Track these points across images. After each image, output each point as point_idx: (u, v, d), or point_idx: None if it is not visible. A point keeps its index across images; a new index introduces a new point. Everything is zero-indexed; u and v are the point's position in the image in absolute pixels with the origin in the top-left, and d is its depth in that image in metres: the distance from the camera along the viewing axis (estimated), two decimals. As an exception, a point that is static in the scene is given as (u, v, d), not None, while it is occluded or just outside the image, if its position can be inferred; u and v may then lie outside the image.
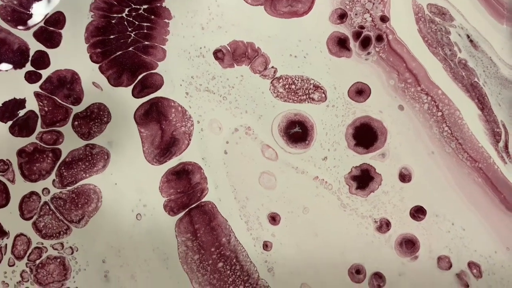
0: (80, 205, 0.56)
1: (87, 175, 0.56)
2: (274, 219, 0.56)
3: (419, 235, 0.56)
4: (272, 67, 0.59)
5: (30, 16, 0.58)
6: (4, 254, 0.55)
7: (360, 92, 0.58)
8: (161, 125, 0.57)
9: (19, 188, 0.56)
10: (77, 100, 0.57)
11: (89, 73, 0.58)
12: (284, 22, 0.59)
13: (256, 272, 0.55)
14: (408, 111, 0.58)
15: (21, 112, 0.57)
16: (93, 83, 0.58)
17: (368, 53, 0.59)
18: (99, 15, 0.59)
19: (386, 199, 0.56)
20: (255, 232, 0.56)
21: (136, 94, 0.58)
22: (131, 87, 0.58)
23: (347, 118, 0.58)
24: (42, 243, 0.55)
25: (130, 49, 0.58)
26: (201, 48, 0.59)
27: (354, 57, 0.59)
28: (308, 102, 0.58)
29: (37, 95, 0.57)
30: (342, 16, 0.59)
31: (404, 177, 0.57)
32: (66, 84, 0.58)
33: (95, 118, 0.57)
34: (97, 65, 0.58)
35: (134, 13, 0.59)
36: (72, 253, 0.55)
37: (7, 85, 0.57)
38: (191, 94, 0.58)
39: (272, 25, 0.59)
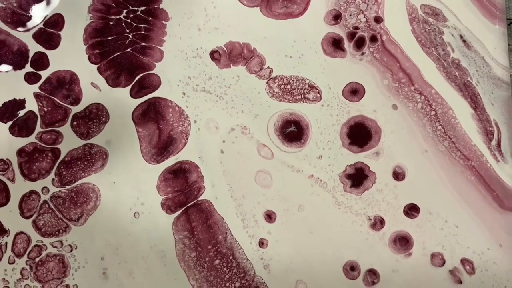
0: (79, 204, 0.56)
1: (86, 174, 0.57)
2: (270, 217, 0.57)
3: (412, 232, 0.57)
4: (268, 67, 0.59)
5: (30, 18, 0.59)
6: (5, 252, 0.56)
7: (354, 91, 0.59)
8: (159, 125, 0.58)
9: (19, 187, 0.57)
10: (76, 101, 0.58)
11: (88, 74, 0.59)
12: (280, 23, 0.60)
13: (252, 269, 0.56)
14: (402, 110, 0.59)
15: (21, 113, 0.58)
16: (92, 83, 0.59)
17: (363, 54, 0.60)
18: (97, 16, 0.60)
19: (380, 197, 0.57)
20: (251, 230, 0.57)
21: (134, 94, 0.59)
22: (129, 87, 0.59)
23: (342, 118, 0.59)
24: (42, 241, 0.56)
25: (128, 50, 0.59)
26: (197, 49, 0.60)
27: (349, 58, 0.60)
28: (303, 101, 0.59)
29: (36, 95, 0.58)
30: (336, 17, 0.60)
31: (398, 175, 0.58)
32: (65, 85, 0.58)
33: (94, 118, 0.58)
34: (96, 66, 0.59)
35: (132, 15, 0.60)
36: (71, 250, 0.56)
37: (7, 86, 0.58)
38: (188, 94, 0.59)
39: (268, 26, 0.60)
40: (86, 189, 0.57)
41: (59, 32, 0.59)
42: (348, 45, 0.60)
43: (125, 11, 0.60)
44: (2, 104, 0.58)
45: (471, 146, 0.58)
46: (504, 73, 0.60)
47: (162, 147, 0.58)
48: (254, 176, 0.58)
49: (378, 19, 0.60)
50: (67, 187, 0.57)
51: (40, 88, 0.58)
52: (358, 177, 0.58)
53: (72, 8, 0.60)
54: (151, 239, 0.56)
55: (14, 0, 0.59)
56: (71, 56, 0.59)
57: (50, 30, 0.59)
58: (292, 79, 0.59)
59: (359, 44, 0.60)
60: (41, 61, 0.59)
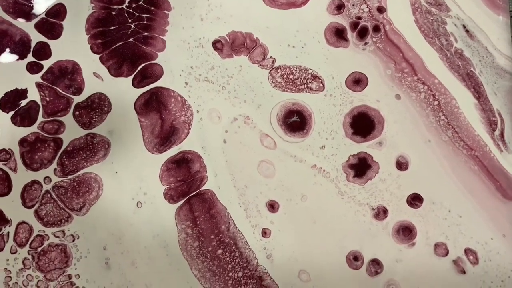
0: (81, 194, 0.56)
1: (88, 164, 0.57)
2: (272, 206, 0.57)
3: (416, 222, 0.56)
4: (271, 57, 0.59)
5: (32, 7, 0.59)
6: (7, 241, 0.55)
7: (357, 81, 0.59)
8: (161, 115, 0.58)
9: (21, 177, 0.56)
10: (78, 90, 0.58)
11: (90, 64, 0.59)
12: (283, 12, 0.60)
13: (255, 258, 0.56)
14: (405, 100, 0.58)
15: (23, 102, 0.58)
16: (94, 73, 0.58)
17: (366, 43, 0.59)
18: (99, 6, 0.59)
19: (383, 187, 0.57)
20: (254, 220, 0.56)
21: (136, 84, 0.58)
22: (131, 77, 0.58)
23: (345, 107, 0.59)
24: (44, 231, 0.56)
25: (130, 40, 0.59)
26: (200, 38, 0.60)
27: (352, 47, 0.59)
28: (306, 91, 0.59)
29: (38, 85, 0.58)
30: (339, 7, 0.60)
31: (401, 165, 0.57)
32: (67, 75, 0.58)
33: (96, 108, 0.58)
34: (98, 56, 0.59)
35: (134, 5, 0.60)
36: (73, 240, 0.56)
37: (9, 76, 0.58)
38: (191, 84, 0.59)
39: (271, 16, 0.60)
40: (88, 179, 0.57)
41: (61, 22, 0.59)
42: (351, 35, 0.60)
43: (127, 1, 0.60)
44: (4, 94, 0.58)
45: (475, 136, 0.58)
46: (507, 63, 0.59)
47: (165, 137, 0.58)
48: (257, 166, 0.57)
49: (381, 9, 0.60)
50: (69, 177, 0.57)
51: (42, 78, 0.58)
52: (361, 167, 0.57)
53: (74, -2, 0.60)
54: (153, 229, 0.56)
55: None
56: (73, 46, 0.59)
57: (52, 20, 0.59)
58: (295, 69, 0.59)
59: (362, 34, 0.59)
60: (43, 51, 0.59)
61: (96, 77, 0.58)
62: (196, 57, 0.59)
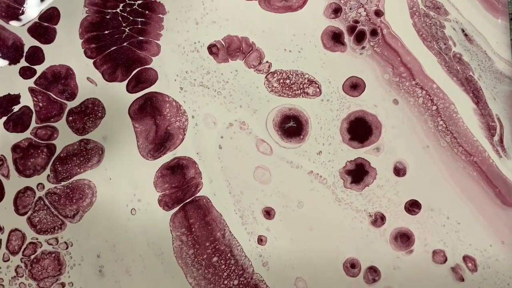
0: (74, 200, 0.56)
1: (82, 170, 0.56)
2: (268, 213, 0.56)
3: (414, 229, 0.56)
4: (267, 61, 0.59)
5: (24, 11, 0.58)
6: (-1, 249, 0.55)
7: (354, 86, 0.58)
8: (156, 120, 0.57)
9: (13, 183, 0.56)
10: (72, 96, 0.57)
11: (84, 69, 0.58)
12: (279, 16, 0.59)
13: (250, 266, 0.55)
14: (403, 105, 0.58)
15: (16, 108, 0.57)
16: (88, 78, 0.58)
17: (363, 48, 0.59)
18: (93, 10, 0.59)
19: (381, 193, 0.56)
20: (250, 227, 0.56)
21: (131, 89, 0.58)
22: (126, 82, 0.58)
23: (342, 113, 0.58)
24: (37, 238, 0.55)
25: (125, 44, 0.58)
26: (195, 43, 0.59)
27: (349, 52, 0.59)
28: (302, 96, 0.58)
29: (31, 90, 0.57)
30: (336, 11, 0.59)
31: (399, 171, 0.57)
32: (61, 80, 0.58)
33: (90, 113, 0.57)
34: (92, 61, 0.58)
35: (128, 8, 0.59)
36: (67, 248, 0.55)
37: (1, 81, 0.57)
38: (186, 89, 0.58)
39: (267, 20, 0.59)
40: (82, 185, 0.56)
41: (54, 26, 0.58)
42: (348, 39, 0.59)
43: (121, 4, 0.59)
44: (-3, 99, 0.57)
45: (473, 141, 0.57)
46: (506, 67, 0.59)
47: (159, 142, 0.57)
48: (253, 172, 0.57)
49: (378, 13, 0.59)
50: (63, 183, 0.56)
51: (35, 83, 0.57)
52: (358, 173, 0.57)
53: (67, 2, 0.59)
54: (148, 236, 0.55)
55: (9, -6, 0.59)
56: (66, 50, 0.58)
57: (45, 24, 0.58)
58: (291, 73, 0.58)
59: (360, 38, 0.59)
60: (36, 56, 0.58)
61: (90, 82, 0.58)
62: (191, 61, 0.58)
